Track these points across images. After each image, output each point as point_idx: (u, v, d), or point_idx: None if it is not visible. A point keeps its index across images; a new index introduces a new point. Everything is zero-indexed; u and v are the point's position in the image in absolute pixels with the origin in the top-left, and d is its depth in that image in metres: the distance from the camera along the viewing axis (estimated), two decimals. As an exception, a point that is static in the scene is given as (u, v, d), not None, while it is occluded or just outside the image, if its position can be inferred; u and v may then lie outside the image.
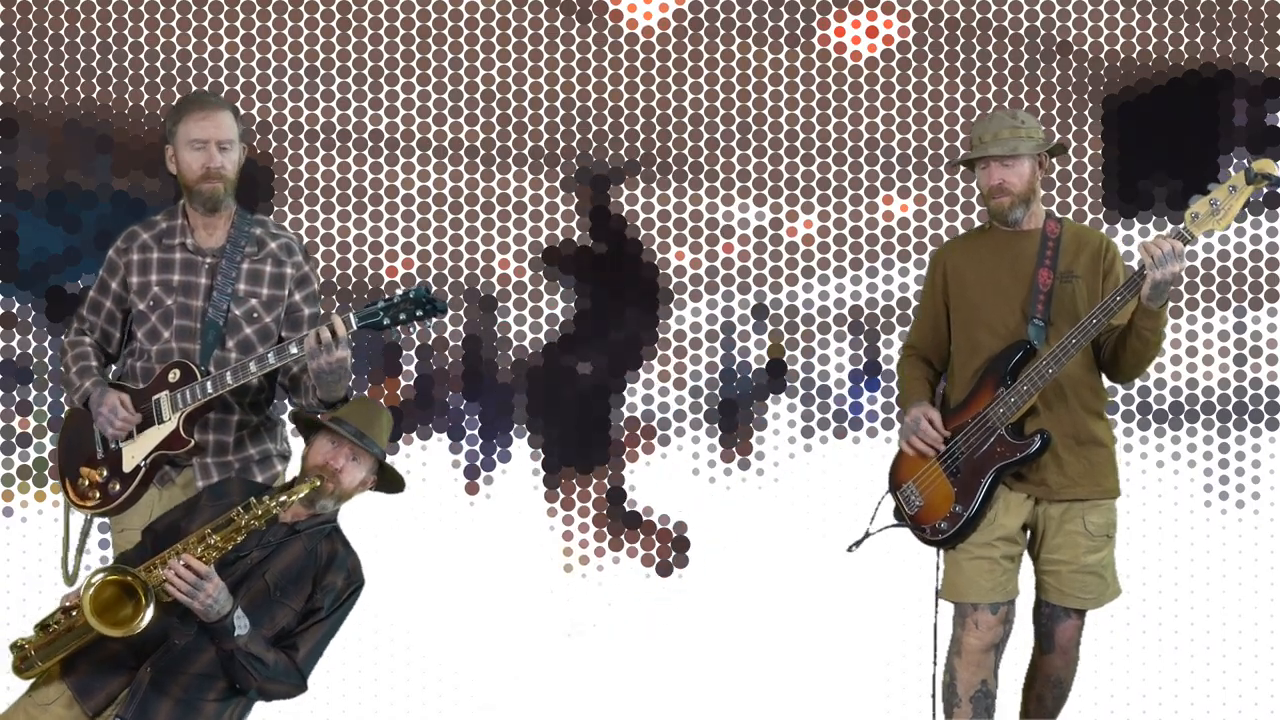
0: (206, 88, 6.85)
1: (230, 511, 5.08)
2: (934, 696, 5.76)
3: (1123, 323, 5.56)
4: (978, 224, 6.40)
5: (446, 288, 7.00)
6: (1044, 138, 5.68)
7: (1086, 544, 5.66)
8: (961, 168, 6.56)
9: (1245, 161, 6.81)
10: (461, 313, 7.01)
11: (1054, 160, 5.81)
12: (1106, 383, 5.73)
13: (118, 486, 5.46)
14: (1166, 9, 6.99)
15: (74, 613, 5.01)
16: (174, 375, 5.43)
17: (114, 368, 5.62)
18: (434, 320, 6.59)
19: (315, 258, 6.88)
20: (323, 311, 5.65)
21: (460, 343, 7.02)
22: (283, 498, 5.12)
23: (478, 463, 7.03)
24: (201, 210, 5.52)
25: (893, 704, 6.92)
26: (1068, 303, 5.64)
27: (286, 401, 5.70)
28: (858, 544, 5.75)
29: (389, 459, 5.31)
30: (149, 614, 4.91)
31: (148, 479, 5.45)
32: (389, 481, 5.34)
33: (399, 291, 5.33)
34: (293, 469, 5.67)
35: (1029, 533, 5.69)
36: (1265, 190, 5.56)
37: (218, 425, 5.49)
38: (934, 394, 5.77)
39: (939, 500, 5.64)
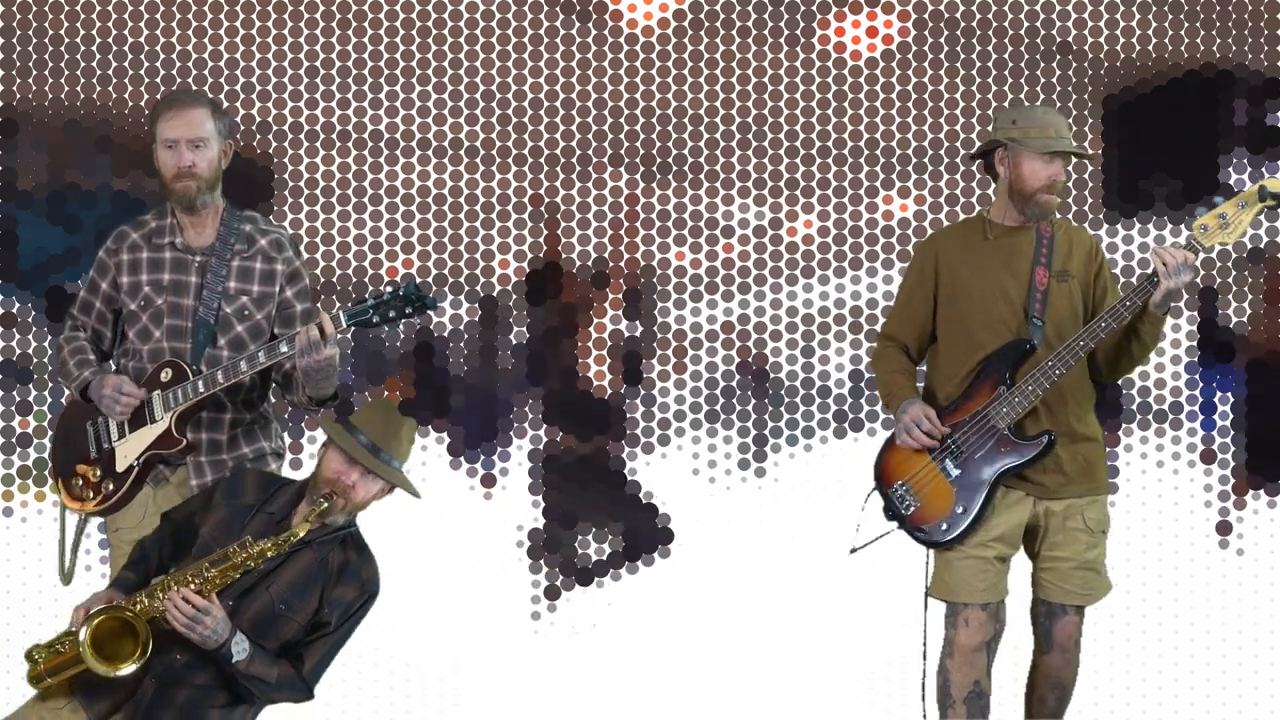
0: (206, 88, 6.85)
1: (228, 548, 5.02)
2: (923, 698, 5.76)
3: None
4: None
5: (446, 288, 7.00)
6: None
7: (1087, 540, 5.66)
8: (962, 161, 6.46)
9: (1259, 173, 6.81)
10: (462, 312, 7.01)
11: None
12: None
13: (111, 486, 5.45)
14: (1166, 9, 6.98)
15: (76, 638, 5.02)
16: (166, 374, 5.41)
17: (110, 366, 5.61)
18: (424, 315, 6.54)
19: (315, 257, 6.89)
20: (314, 307, 5.62)
21: (461, 343, 7.02)
22: (282, 539, 5.04)
23: (478, 463, 7.03)
24: (180, 209, 5.50)
25: (892, 704, 6.91)
26: (1064, 302, 5.65)
27: (284, 399, 5.70)
28: (860, 548, 5.72)
29: (406, 468, 5.17)
30: (143, 656, 4.95)
31: (141, 478, 5.44)
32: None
33: (388, 288, 5.24)
34: (287, 469, 5.68)
35: (1028, 532, 5.68)
36: (1276, 207, 5.61)
37: (210, 424, 5.48)
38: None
39: (938, 500, 5.62)
